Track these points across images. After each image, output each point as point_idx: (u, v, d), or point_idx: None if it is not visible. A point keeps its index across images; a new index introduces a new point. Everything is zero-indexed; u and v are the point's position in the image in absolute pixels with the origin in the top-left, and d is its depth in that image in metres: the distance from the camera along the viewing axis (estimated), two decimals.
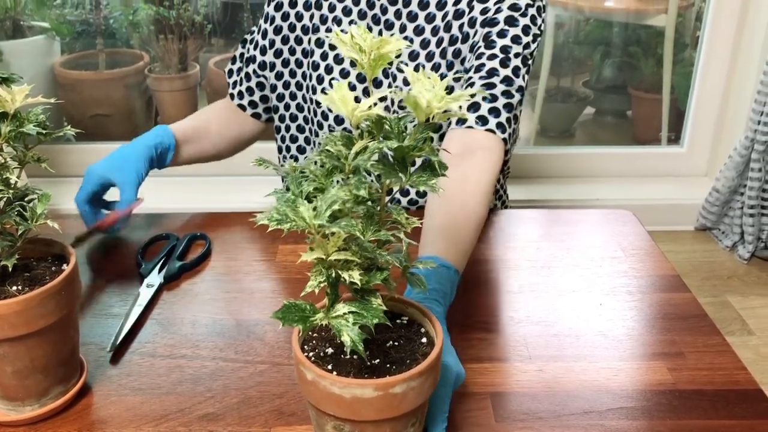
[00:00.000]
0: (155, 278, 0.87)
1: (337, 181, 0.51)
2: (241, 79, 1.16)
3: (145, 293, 0.84)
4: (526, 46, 0.97)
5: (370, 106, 0.49)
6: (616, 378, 0.71)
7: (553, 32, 2.36)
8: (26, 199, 0.64)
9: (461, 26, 0.99)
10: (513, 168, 2.06)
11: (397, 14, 1.03)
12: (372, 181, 0.52)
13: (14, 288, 0.62)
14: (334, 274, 0.49)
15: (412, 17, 1.02)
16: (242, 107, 1.17)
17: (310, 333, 0.56)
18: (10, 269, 0.61)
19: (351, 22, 1.05)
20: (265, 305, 0.83)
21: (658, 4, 2.23)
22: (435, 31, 1.01)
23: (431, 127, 0.52)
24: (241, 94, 1.17)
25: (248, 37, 1.16)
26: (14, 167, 0.62)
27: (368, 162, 0.49)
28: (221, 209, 1.05)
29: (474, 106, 0.94)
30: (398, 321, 0.58)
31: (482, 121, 0.93)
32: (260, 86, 1.15)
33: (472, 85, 0.96)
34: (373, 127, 0.52)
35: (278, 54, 1.11)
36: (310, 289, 0.49)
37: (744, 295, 1.74)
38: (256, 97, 1.16)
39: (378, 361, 0.53)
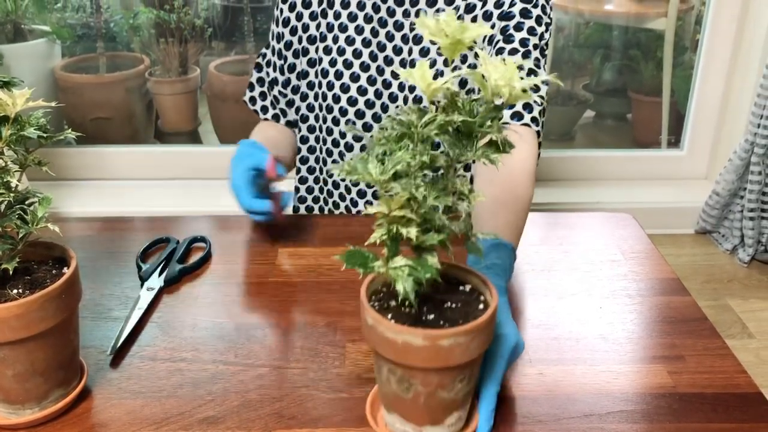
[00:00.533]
0: (155, 281, 0.87)
1: (409, 147, 0.56)
2: (272, 102, 1.17)
3: (146, 296, 0.84)
4: (541, 36, 1.00)
5: (446, 82, 0.54)
6: (616, 381, 0.71)
7: (554, 36, 2.36)
8: (27, 202, 0.64)
9: (474, 20, 1.01)
10: None
11: (406, 14, 1.04)
12: (442, 152, 0.57)
13: (15, 291, 0.62)
14: (394, 230, 0.54)
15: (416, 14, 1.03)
16: (276, 117, 1.18)
17: (378, 287, 0.61)
18: (11, 272, 0.61)
19: (357, 28, 1.06)
20: (265, 309, 0.83)
21: (657, 7, 2.23)
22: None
23: (500, 108, 0.56)
24: (276, 117, 1.18)
25: (260, 61, 1.17)
26: (15, 170, 0.62)
27: (433, 131, 0.54)
28: (221, 213, 1.05)
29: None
30: (461, 288, 0.62)
31: (518, 116, 0.98)
32: (290, 104, 1.17)
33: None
34: (447, 103, 0.56)
35: (291, 68, 1.13)
36: (372, 240, 0.55)
37: (744, 299, 1.74)
38: (291, 117, 1.17)
39: (432, 317, 0.58)
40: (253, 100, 1.18)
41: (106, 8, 2.25)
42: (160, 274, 0.89)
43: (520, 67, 0.97)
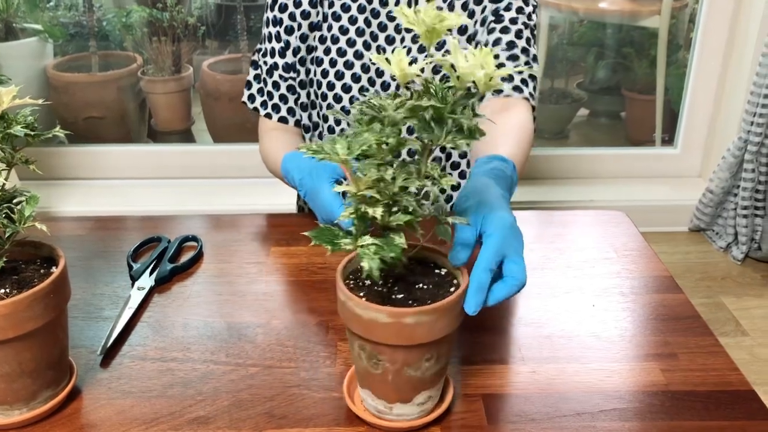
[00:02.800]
0: (146, 281, 0.87)
1: (377, 130, 0.57)
2: (269, 92, 1.13)
3: (136, 296, 0.84)
4: (530, 16, 1.04)
5: (422, 69, 0.56)
6: (608, 379, 0.71)
7: (547, 34, 2.36)
8: (14, 201, 0.63)
9: (464, 5, 1.05)
10: None
11: (396, 3, 1.05)
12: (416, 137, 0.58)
13: (2, 291, 0.61)
14: (363, 209, 0.56)
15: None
16: (284, 120, 1.14)
17: (357, 267, 0.63)
18: None
19: (351, 18, 1.08)
20: (256, 308, 0.82)
21: (651, 5, 2.24)
22: None
23: (472, 95, 0.57)
24: (277, 107, 1.14)
25: (256, 58, 1.15)
26: (2, 169, 0.62)
27: (401, 115, 0.55)
28: (215, 212, 1.04)
29: (508, 78, 1.02)
30: (436, 271, 0.64)
31: (517, 90, 1.02)
32: (292, 90, 1.13)
33: (496, 57, 1.03)
34: (422, 89, 0.57)
35: (296, 52, 1.11)
36: (343, 218, 0.57)
37: (738, 296, 1.74)
38: (292, 103, 1.14)
39: (402, 296, 0.60)
40: (251, 97, 1.15)
41: (99, 6, 2.23)
42: (151, 274, 0.88)
43: (512, 47, 1.02)
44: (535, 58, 1.05)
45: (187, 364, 0.73)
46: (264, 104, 1.14)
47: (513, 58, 1.02)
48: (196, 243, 0.95)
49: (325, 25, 1.08)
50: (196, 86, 2.36)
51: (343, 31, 1.08)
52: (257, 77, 1.15)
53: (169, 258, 0.91)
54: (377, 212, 0.55)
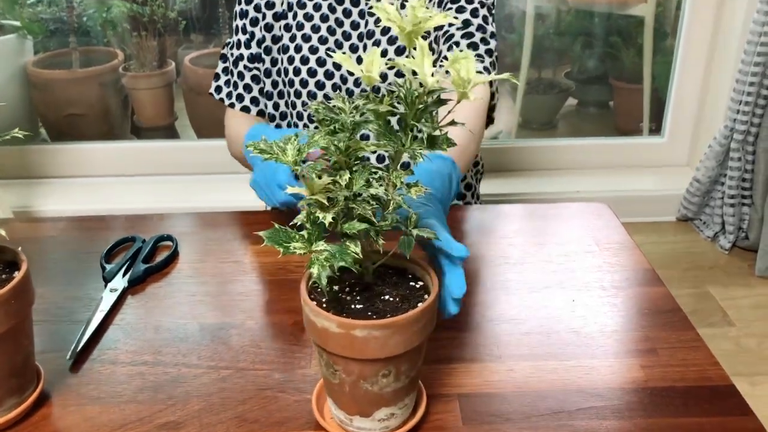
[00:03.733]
0: (119, 282, 0.85)
1: (328, 133, 0.56)
2: (235, 82, 1.15)
3: (108, 298, 0.82)
4: None
5: (383, 75, 0.54)
6: (587, 377, 0.70)
7: (534, 23, 2.34)
8: None
9: None
10: (493, 162, 2.05)
11: None
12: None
13: None
14: (316, 212, 0.54)
15: None
16: (246, 109, 1.15)
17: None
18: None
19: (315, 5, 1.09)
20: (231, 308, 0.81)
21: None
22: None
23: (440, 102, 0.54)
24: (241, 97, 1.15)
25: (225, 51, 1.17)
26: None
27: (355, 119, 0.53)
28: (196, 209, 1.03)
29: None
30: (411, 283, 0.61)
31: None
32: (256, 79, 1.15)
33: (451, 37, 1.04)
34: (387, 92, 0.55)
35: (261, 42, 1.13)
36: (297, 221, 0.55)
37: (725, 286, 1.73)
38: (256, 93, 1.15)
39: (361, 306, 0.58)
40: (218, 89, 1.17)
41: (79, 2, 2.20)
42: (124, 275, 0.87)
43: (467, 24, 1.02)
44: (492, 35, 1.05)
45: (158, 368, 0.72)
46: (229, 95, 1.16)
47: (468, 35, 1.03)
48: (172, 242, 0.94)
49: (290, 14, 1.09)
50: (178, 81, 2.34)
51: (308, 17, 1.09)
52: (225, 69, 1.16)
53: (143, 258, 0.89)
54: (327, 218, 0.53)
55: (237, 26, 1.14)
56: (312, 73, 1.09)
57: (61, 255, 0.93)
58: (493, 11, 1.09)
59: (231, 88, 1.15)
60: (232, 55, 1.15)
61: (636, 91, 2.30)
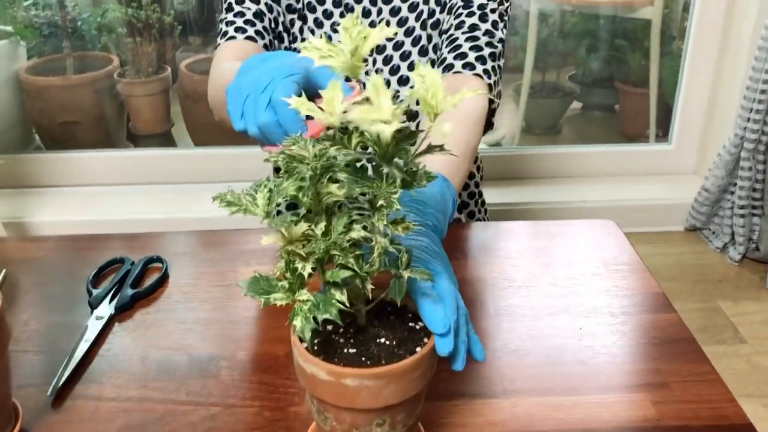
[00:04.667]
0: (105, 309, 0.81)
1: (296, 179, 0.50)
2: (231, 20, 1.01)
3: (94, 326, 0.79)
4: (501, 2, 1.03)
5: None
6: (596, 414, 0.66)
7: (537, 25, 2.30)
8: None
9: None
10: (496, 170, 2.01)
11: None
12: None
13: None
14: (295, 262, 0.51)
15: None
16: (252, 39, 1.00)
17: None
18: None
19: None
20: (220, 338, 0.77)
21: None
22: (413, 7, 1.05)
23: (411, 135, 0.49)
24: (242, 29, 1.00)
25: (226, 16, 1.03)
26: None
27: (307, 171, 0.48)
28: (188, 219, 0.98)
29: (461, 56, 0.98)
30: (411, 324, 0.56)
31: (469, 67, 0.98)
32: (260, 16, 1.03)
33: (455, 40, 1.01)
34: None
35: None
36: (278, 272, 0.51)
37: (735, 300, 1.69)
38: (260, 27, 1.02)
39: (355, 350, 0.54)
40: (223, 34, 1.01)
41: (74, 6, 2.16)
42: (111, 300, 0.83)
43: (474, 29, 0.98)
44: (500, 41, 1.01)
45: (144, 404, 0.68)
46: (225, 34, 1.01)
47: (473, 39, 1.00)
48: (162, 264, 0.90)
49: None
50: (174, 87, 2.30)
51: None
52: (224, 33, 1.02)
53: (131, 282, 0.86)
54: (306, 269, 0.49)
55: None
56: (328, 14, 1.05)
57: (47, 278, 0.90)
58: (506, 17, 1.04)
59: (226, 28, 1.02)
60: (231, 9, 1.02)
61: (642, 95, 2.26)
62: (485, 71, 0.99)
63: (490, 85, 0.99)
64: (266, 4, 1.04)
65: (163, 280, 0.87)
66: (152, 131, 2.35)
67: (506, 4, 1.04)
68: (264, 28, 1.03)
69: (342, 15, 1.06)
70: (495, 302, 0.83)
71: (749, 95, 1.73)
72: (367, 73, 1.04)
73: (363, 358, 0.53)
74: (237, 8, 1.03)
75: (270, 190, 0.48)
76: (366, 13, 1.06)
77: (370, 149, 0.49)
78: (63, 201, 1.95)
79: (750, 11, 1.82)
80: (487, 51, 0.99)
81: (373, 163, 0.49)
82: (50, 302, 0.84)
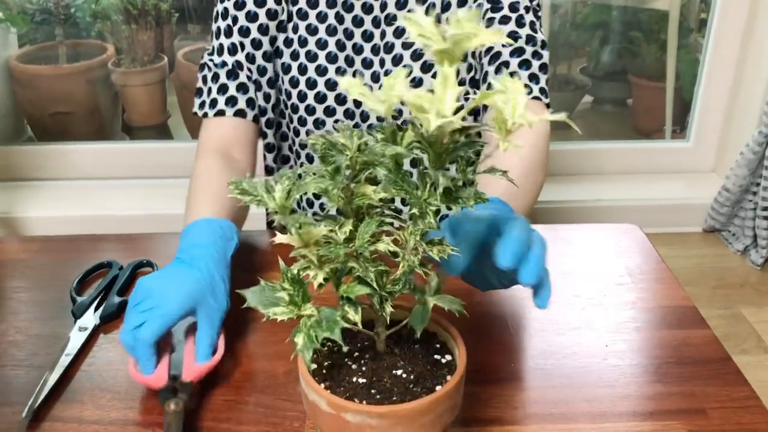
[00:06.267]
0: (89, 319, 0.75)
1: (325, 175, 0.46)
2: (223, 85, 0.94)
3: (76, 338, 0.73)
4: None
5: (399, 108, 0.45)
6: None
7: (549, 16, 2.23)
8: None
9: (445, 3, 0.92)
10: None
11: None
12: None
13: None
14: (306, 268, 0.46)
15: None
16: (242, 112, 0.93)
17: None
18: None
19: (319, 15, 0.94)
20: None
21: None
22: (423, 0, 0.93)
23: (473, 144, 0.44)
24: (233, 99, 0.93)
25: (206, 60, 0.96)
26: None
27: (345, 160, 0.43)
28: (179, 214, 0.91)
29: (512, 76, 0.88)
30: (437, 356, 0.51)
31: (526, 90, 0.89)
32: (243, 89, 0.95)
33: (498, 55, 0.90)
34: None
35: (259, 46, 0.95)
36: (292, 272, 0.45)
37: (758, 306, 1.62)
38: (252, 93, 0.94)
39: (365, 381, 0.49)
40: (202, 105, 0.95)
41: None
42: (96, 309, 0.77)
43: (515, 38, 0.88)
44: (543, 45, 0.92)
45: (127, 428, 0.62)
46: (214, 103, 0.93)
47: (519, 51, 0.90)
48: (152, 269, 0.84)
49: (290, 25, 0.94)
50: (171, 77, 2.24)
51: (312, 30, 0.94)
52: (205, 79, 0.95)
53: (118, 289, 0.79)
54: (318, 278, 0.43)
55: (219, 28, 0.95)
56: (320, 98, 0.94)
57: (30, 282, 0.84)
58: (539, 13, 0.94)
59: (216, 95, 0.94)
60: (212, 62, 0.95)
61: (656, 89, 2.19)
62: (541, 90, 0.91)
63: (548, 104, 0.91)
64: (248, 53, 0.93)
65: None
66: (148, 123, 2.27)
67: None
68: (254, 81, 0.94)
69: (338, 25, 0.94)
70: (514, 316, 0.77)
71: None
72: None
73: (373, 391, 0.47)
74: (228, 59, 0.93)
75: (293, 183, 0.43)
76: (364, 24, 0.94)
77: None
78: (55, 195, 1.89)
79: None
80: (536, 64, 0.90)
81: (421, 167, 0.43)
82: (31, 310, 0.78)
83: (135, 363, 0.66)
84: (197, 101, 0.96)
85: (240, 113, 0.93)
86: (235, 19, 0.94)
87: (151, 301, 0.66)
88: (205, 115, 0.94)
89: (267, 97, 0.97)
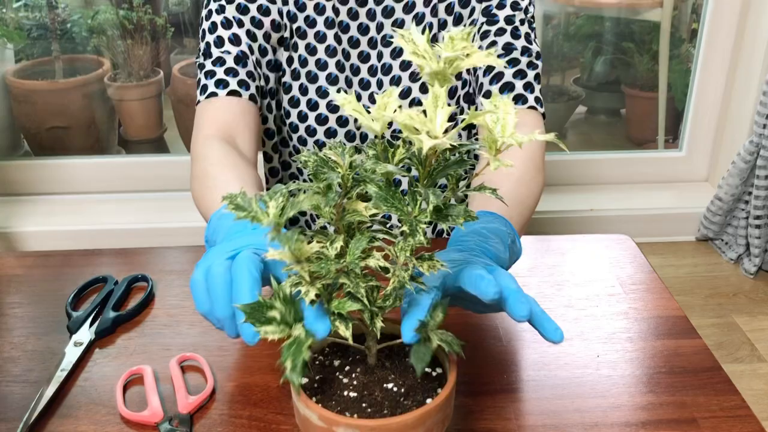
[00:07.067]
0: (85, 334, 0.76)
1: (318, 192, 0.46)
2: (211, 71, 0.91)
3: (72, 353, 0.73)
4: (526, 10, 0.94)
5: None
6: None
7: (542, 27, 2.24)
8: None
9: (449, 7, 0.93)
10: None
11: (370, 14, 0.93)
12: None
13: None
14: (289, 286, 0.46)
15: (387, 12, 0.92)
16: (253, 98, 0.91)
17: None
18: None
19: (317, 34, 0.95)
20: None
21: None
22: (419, 19, 0.93)
23: (463, 162, 0.44)
24: (224, 82, 0.90)
25: (201, 59, 0.94)
26: None
27: (336, 179, 0.44)
28: (181, 228, 0.91)
29: (507, 86, 0.90)
30: (428, 369, 0.51)
31: (521, 100, 0.90)
32: (243, 62, 0.92)
33: (493, 66, 0.91)
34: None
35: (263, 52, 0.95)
36: (286, 288, 0.45)
37: (752, 315, 1.62)
38: (244, 75, 0.91)
39: (356, 395, 0.49)
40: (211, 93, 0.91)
41: (64, 7, 2.10)
42: (92, 324, 0.77)
43: (510, 49, 0.90)
44: (538, 56, 0.93)
45: None
46: (204, 89, 0.91)
47: (514, 62, 0.91)
48: (147, 283, 0.84)
49: (290, 42, 0.95)
50: (167, 91, 2.25)
51: (311, 50, 0.95)
52: (204, 88, 0.92)
53: (113, 304, 0.80)
54: (310, 294, 0.43)
55: (215, 23, 0.92)
56: (322, 120, 0.95)
57: (25, 298, 0.84)
58: (534, 24, 0.95)
59: (207, 81, 0.91)
60: (223, 56, 0.91)
61: (649, 99, 2.21)
62: (536, 99, 0.92)
63: (543, 113, 0.93)
64: (248, 45, 0.92)
65: (148, 301, 0.82)
66: (144, 137, 2.28)
67: (531, 10, 0.95)
68: (249, 73, 0.91)
69: (336, 36, 0.95)
70: (505, 327, 0.77)
71: (765, 100, 1.67)
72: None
73: (364, 405, 0.47)
74: (216, 53, 0.91)
75: (287, 199, 0.43)
76: (360, 46, 0.95)
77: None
78: (51, 209, 1.89)
79: (766, 12, 1.76)
80: (531, 74, 0.91)
81: (413, 186, 0.43)
82: (27, 325, 0.79)
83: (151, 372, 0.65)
84: (200, 96, 0.93)
85: (234, 93, 0.90)
86: (229, 19, 0.93)
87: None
88: (213, 95, 0.90)
89: (266, 79, 0.95)
